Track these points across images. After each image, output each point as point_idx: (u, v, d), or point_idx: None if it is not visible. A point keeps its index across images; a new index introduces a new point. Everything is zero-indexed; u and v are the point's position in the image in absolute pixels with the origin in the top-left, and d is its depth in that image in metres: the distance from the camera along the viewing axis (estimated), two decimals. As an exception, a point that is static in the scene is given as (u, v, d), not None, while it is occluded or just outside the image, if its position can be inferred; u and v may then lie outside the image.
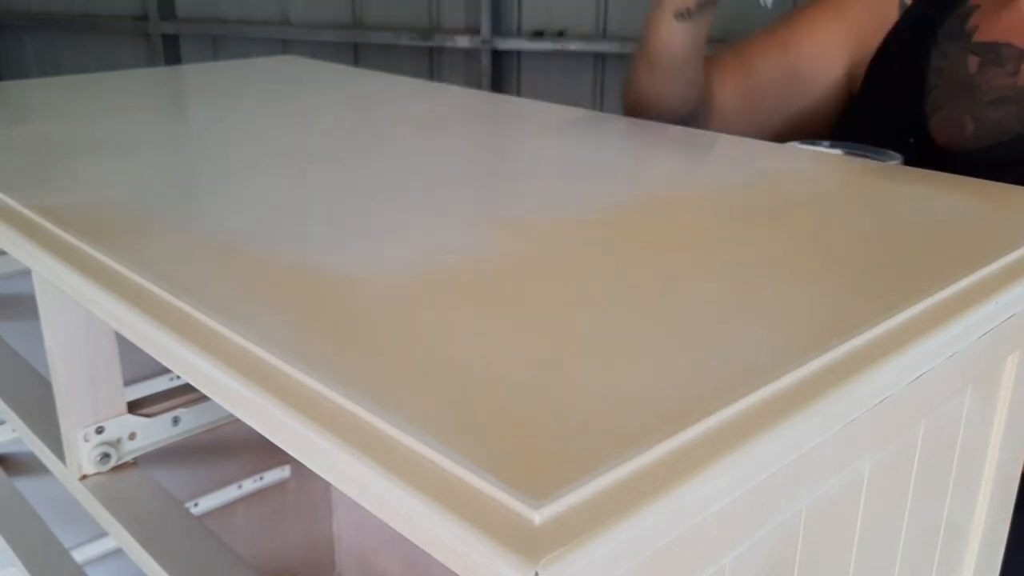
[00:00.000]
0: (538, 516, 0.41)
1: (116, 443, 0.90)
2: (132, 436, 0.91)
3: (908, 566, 0.77)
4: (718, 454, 0.46)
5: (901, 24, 1.33)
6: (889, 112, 1.32)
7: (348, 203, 0.86)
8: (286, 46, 4.26)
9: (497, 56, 3.82)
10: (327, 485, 1.76)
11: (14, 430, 1.04)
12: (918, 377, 0.62)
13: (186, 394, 0.94)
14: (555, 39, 3.64)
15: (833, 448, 0.57)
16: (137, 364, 1.16)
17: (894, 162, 1.07)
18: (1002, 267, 0.73)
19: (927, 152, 1.25)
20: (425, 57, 4.01)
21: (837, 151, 1.11)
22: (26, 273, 1.03)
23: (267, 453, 1.65)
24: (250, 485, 1.65)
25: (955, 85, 1.23)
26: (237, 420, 0.61)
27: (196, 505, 1.58)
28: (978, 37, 1.23)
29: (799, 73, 1.42)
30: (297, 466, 1.70)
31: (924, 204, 0.89)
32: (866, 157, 1.07)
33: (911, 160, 1.09)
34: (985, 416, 0.81)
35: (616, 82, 3.60)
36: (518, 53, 3.80)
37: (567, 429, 0.47)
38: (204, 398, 0.94)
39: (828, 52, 1.41)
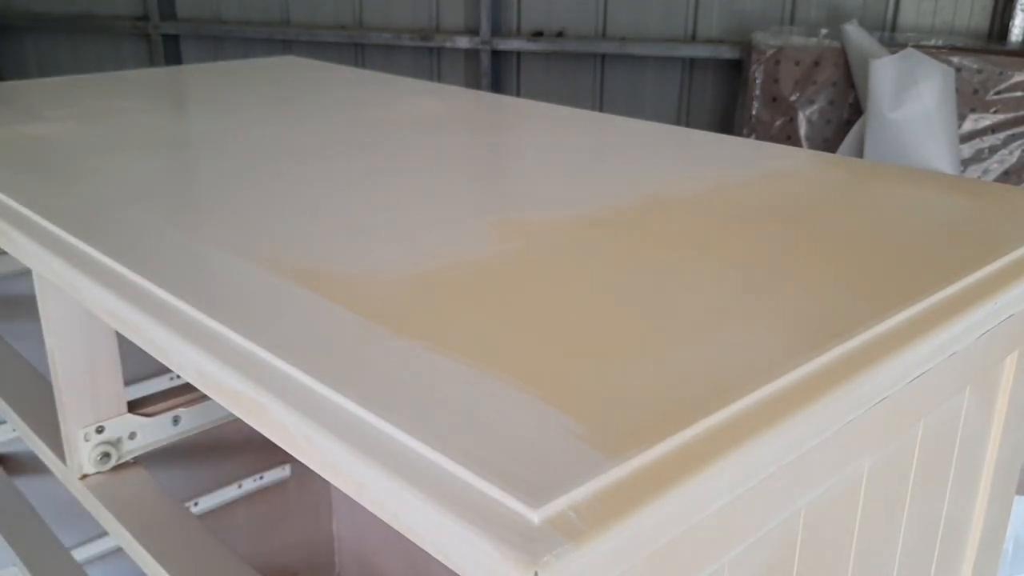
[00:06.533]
0: (537, 516, 0.41)
1: (116, 443, 0.90)
2: (132, 436, 0.91)
3: (907, 564, 0.77)
4: (718, 454, 0.46)
5: None
6: None
7: (348, 202, 0.86)
8: (286, 46, 4.26)
9: (497, 56, 3.82)
10: (327, 485, 1.76)
11: (14, 430, 1.04)
12: (917, 377, 0.62)
13: (186, 394, 0.94)
14: (554, 39, 3.64)
15: (833, 448, 0.57)
16: (137, 364, 1.16)
17: None
18: (1001, 267, 0.73)
19: None
20: (425, 58, 4.01)
21: None
22: (26, 273, 1.03)
23: (267, 453, 1.65)
24: (250, 485, 1.65)
25: None
26: (237, 420, 0.61)
27: (196, 505, 1.58)
28: None
29: None
30: (297, 466, 1.70)
31: (924, 204, 0.89)
32: None
33: None
34: (984, 415, 0.81)
35: (615, 82, 3.60)
36: (517, 53, 3.80)
37: (566, 429, 0.47)
38: (204, 398, 0.94)
39: None
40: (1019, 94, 2.65)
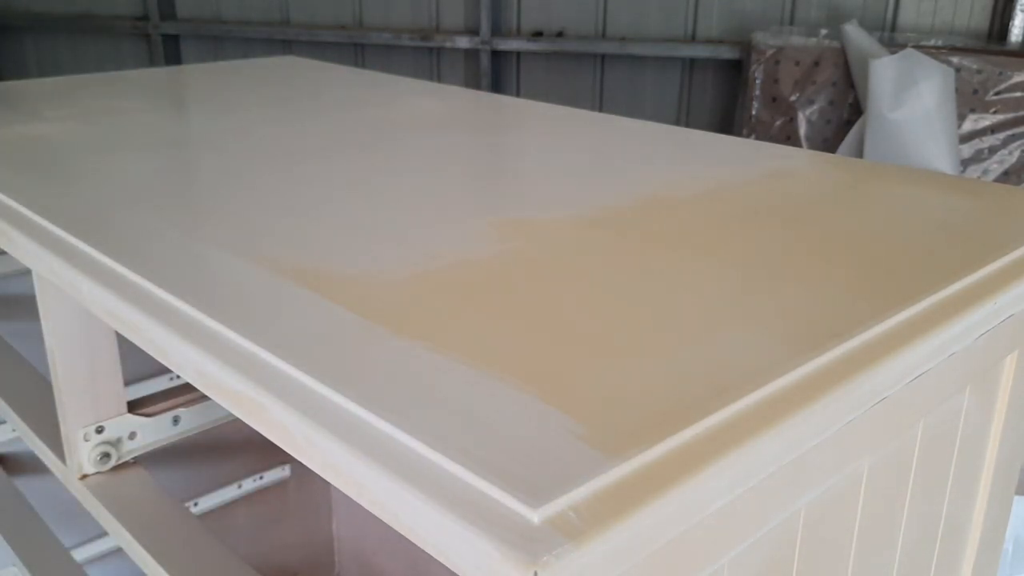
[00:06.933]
0: (537, 516, 0.41)
1: (116, 443, 0.90)
2: (132, 436, 0.91)
3: (907, 564, 0.77)
4: (718, 454, 0.46)
5: None
6: None
7: (348, 202, 0.86)
8: (286, 46, 4.26)
9: (497, 56, 3.82)
10: (327, 485, 1.76)
11: (14, 430, 1.04)
12: (917, 377, 0.62)
13: (186, 394, 0.94)
14: (554, 40, 3.64)
15: (832, 448, 0.57)
16: (137, 364, 1.16)
17: None
18: (1001, 267, 0.73)
19: None
20: (425, 58, 4.01)
21: None
22: (26, 273, 1.03)
23: (267, 453, 1.65)
24: (250, 485, 1.65)
25: None
26: (237, 420, 0.61)
27: (196, 505, 1.58)
28: None
29: None
30: (297, 466, 1.70)
31: (924, 204, 0.89)
32: None
33: None
34: (984, 415, 0.81)
35: (615, 82, 3.60)
36: (517, 54, 3.80)
37: (566, 429, 0.47)
38: (204, 398, 0.94)
39: None
40: (1019, 94, 2.65)
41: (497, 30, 3.82)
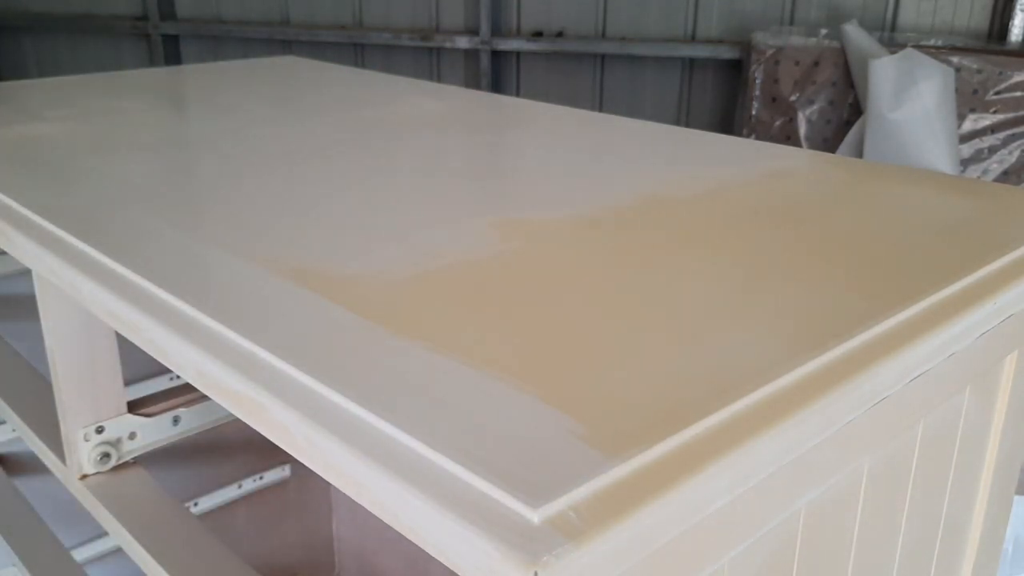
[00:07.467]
0: (537, 516, 0.41)
1: (116, 443, 0.90)
2: (132, 436, 0.91)
3: (907, 564, 0.77)
4: (718, 454, 0.46)
5: None
6: None
7: (347, 202, 0.86)
8: (286, 46, 4.26)
9: (497, 56, 3.82)
10: (327, 485, 1.76)
11: (14, 430, 1.04)
12: (917, 377, 0.62)
13: (186, 394, 0.94)
14: (554, 40, 3.64)
15: (832, 448, 0.57)
16: (137, 364, 1.16)
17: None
18: (1001, 267, 0.73)
19: None
20: (425, 58, 4.01)
21: None
22: (26, 273, 1.03)
23: (267, 453, 1.65)
24: (250, 485, 1.65)
25: None
26: (237, 420, 0.61)
27: (196, 505, 1.58)
28: None
29: None
30: (297, 466, 1.70)
31: (924, 204, 0.89)
32: None
33: None
34: (984, 415, 0.81)
35: (614, 82, 3.60)
36: (517, 54, 3.80)
37: (566, 429, 0.47)
38: (204, 398, 0.94)
39: None
40: (1019, 94, 2.65)
41: (497, 30, 3.82)
